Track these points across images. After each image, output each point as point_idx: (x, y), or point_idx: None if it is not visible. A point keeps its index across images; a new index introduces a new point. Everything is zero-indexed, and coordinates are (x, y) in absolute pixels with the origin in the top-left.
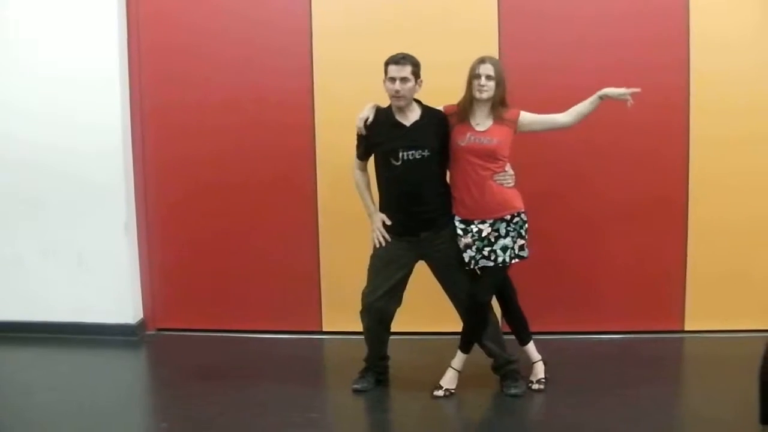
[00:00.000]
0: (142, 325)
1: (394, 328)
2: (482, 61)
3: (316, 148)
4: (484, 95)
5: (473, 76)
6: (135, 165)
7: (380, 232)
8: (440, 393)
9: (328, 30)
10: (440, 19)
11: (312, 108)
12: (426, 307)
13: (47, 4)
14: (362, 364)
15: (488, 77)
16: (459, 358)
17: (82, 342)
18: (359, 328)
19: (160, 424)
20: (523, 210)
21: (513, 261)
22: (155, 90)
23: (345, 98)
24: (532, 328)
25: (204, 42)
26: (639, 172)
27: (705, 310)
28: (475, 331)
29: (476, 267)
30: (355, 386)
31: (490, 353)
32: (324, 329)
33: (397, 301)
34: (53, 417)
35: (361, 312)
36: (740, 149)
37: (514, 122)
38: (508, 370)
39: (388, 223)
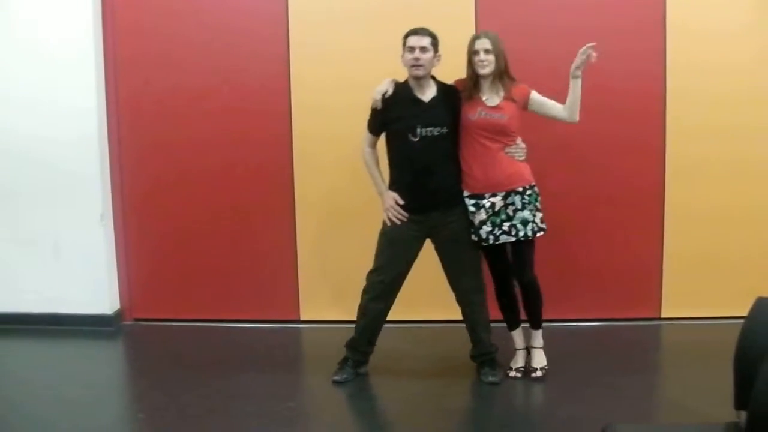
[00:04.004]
0: (119, 315)
1: None
2: (478, 36)
3: (293, 135)
4: (486, 70)
5: (472, 52)
6: (111, 153)
7: (394, 210)
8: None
9: (304, 16)
10: (418, 5)
11: (288, 94)
12: (412, 295)
13: None
14: (341, 354)
15: (486, 51)
16: (535, 336)
17: (58, 333)
18: (337, 317)
19: (137, 414)
20: (534, 183)
21: (538, 234)
22: (130, 75)
23: (322, 84)
24: None
25: (180, 26)
26: (615, 160)
27: (682, 298)
28: (538, 307)
29: (496, 243)
30: (335, 378)
31: (475, 339)
32: (302, 318)
33: (400, 282)
34: (29, 408)
35: (364, 290)
36: (716, 137)
37: (523, 101)
38: (487, 359)
39: (401, 202)
